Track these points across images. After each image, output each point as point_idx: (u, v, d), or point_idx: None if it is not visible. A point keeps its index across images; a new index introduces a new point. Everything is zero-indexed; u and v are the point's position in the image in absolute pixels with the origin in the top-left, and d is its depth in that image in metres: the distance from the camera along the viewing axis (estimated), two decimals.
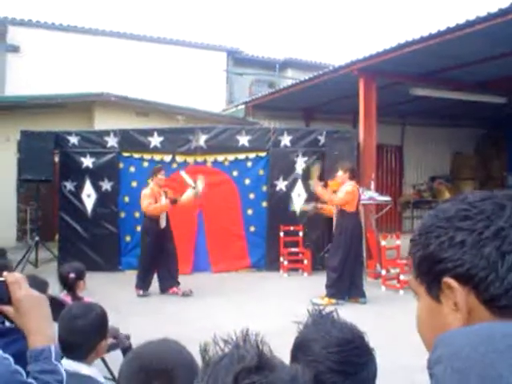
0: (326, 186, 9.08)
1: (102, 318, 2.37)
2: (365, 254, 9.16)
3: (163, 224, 7.93)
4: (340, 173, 7.61)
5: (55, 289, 3.91)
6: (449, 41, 8.02)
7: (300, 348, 1.37)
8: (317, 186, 7.65)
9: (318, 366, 1.29)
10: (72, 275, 3.92)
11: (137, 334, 4.26)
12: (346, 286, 7.41)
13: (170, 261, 7.99)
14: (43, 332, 1.32)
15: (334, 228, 7.62)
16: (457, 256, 0.79)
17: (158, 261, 7.92)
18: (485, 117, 15.52)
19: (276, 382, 0.67)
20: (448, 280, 0.80)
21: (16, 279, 1.33)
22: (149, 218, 7.94)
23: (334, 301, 7.28)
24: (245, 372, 0.66)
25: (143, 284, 7.93)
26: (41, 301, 1.36)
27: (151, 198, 7.84)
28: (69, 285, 3.93)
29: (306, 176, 8.97)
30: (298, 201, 9.95)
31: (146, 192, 7.94)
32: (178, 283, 8.03)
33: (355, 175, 7.86)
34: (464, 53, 8.96)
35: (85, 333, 2.24)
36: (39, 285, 2.84)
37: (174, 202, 7.95)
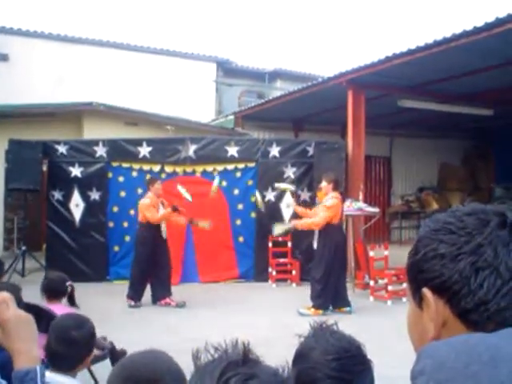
0: (315, 196, 9.13)
1: (94, 329, 2.38)
2: (353, 265, 9.18)
3: (165, 235, 7.94)
4: (324, 183, 7.63)
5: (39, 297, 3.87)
6: (436, 54, 8.11)
7: (300, 356, 1.42)
8: (296, 222, 7.76)
9: (316, 373, 1.36)
10: (69, 283, 3.91)
11: (125, 344, 4.24)
12: (331, 297, 7.43)
13: (164, 272, 7.94)
14: (29, 353, 1.30)
15: (316, 239, 7.60)
16: (436, 268, 0.82)
17: (151, 271, 7.87)
18: (472, 128, 15.68)
19: (260, 373, 0.69)
20: (424, 290, 0.83)
21: (4, 299, 1.30)
22: (145, 228, 7.87)
23: (320, 311, 7.30)
24: (231, 365, 0.69)
25: (135, 294, 7.87)
26: (28, 321, 1.33)
27: (154, 208, 7.84)
28: (68, 294, 3.89)
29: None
30: (287, 212, 9.96)
31: (146, 202, 7.87)
32: (171, 294, 7.98)
33: (339, 186, 7.89)
34: (451, 65, 9.07)
35: (78, 344, 2.25)
36: (11, 290, 2.82)
37: (174, 209, 7.92)
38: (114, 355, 2.99)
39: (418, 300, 0.85)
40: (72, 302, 3.87)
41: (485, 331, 0.76)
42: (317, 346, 1.41)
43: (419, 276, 0.85)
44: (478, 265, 0.78)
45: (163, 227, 7.95)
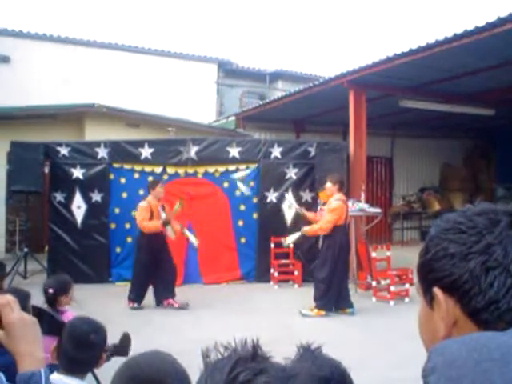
0: (316, 197, 9.12)
1: (106, 331, 2.40)
2: (355, 266, 9.17)
3: (171, 236, 7.94)
4: (329, 185, 7.62)
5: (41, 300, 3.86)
6: (437, 54, 8.10)
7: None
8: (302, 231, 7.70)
9: None
10: (50, 291, 3.78)
11: None
12: (334, 298, 7.43)
13: (167, 273, 7.91)
14: (34, 356, 1.29)
15: (320, 240, 7.60)
16: (446, 267, 0.82)
17: (153, 274, 7.84)
18: (474, 128, 15.68)
19: (269, 368, 0.69)
20: (435, 290, 0.83)
21: (8, 302, 1.29)
22: (143, 232, 7.86)
23: (323, 312, 7.31)
24: (241, 361, 0.69)
25: (136, 297, 7.86)
26: (32, 324, 1.32)
27: (147, 213, 7.76)
28: (48, 300, 3.82)
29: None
30: (289, 213, 9.95)
31: (142, 205, 7.83)
32: (174, 295, 7.94)
33: (344, 187, 7.89)
34: (452, 65, 9.06)
35: (96, 348, 2.27)
36: (21, 297, 2.81)
37: (165, 224, 7.83)
38: (119, 349, 2.95)
39: (429, 299, 0.86)
40: (52, 308, 3.72)
41: (495, 330, 0.76)
42: (298, 375, 1.38)
43: (430, 275, 0.85)
44: (488, 264, 0.79)
45: (168, 228, 7.92)
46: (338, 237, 7.39)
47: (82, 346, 2.21)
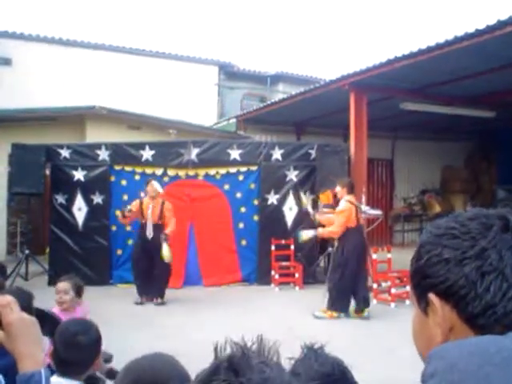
0: (317, 198, 9.12)
1: (99, 332, 2.38)
2: None
3: (149, 234, 8.15)
4: (338, 188, 7.65)
5: (45, 302, 3.87)
6: (438, 56, 8.10)
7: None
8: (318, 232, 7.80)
9: None
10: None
11: (129, 348, 4.24)
12: (349, 300, 7.43)
13: (154, 272, 8.20)
14: (34, 356, 1.29)
15: (335, 244, 7.58)
16: (441, 273, 0.82)
17: (148, 270, 8.18)
18: (475, 130, 15.67)
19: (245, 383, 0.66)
20: (430, 296, 0.83)
21: (8, 302, 1.30)
22: (137, 229, 8.47)
23: (336, 314, 7.33)
24: (220, 371, 0.68)
25: (136, 290, 8.34)
26: (32, 324, 1.33)
27: (134, 206, 8.39)
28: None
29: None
30: (290, 215, 9.96)
31: (132, 203, 8.53)
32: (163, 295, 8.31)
33: (353, 189, 7.89)
34: (453, 68, 9.06)
35: (85, 349, 2.24)
36: (24, 297, 2.81)
37: (123, 215, 8.46)
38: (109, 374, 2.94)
39: (424, 306, 0.85)
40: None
41: (492, 334, 0.76)
42: (300, 372, 1.39)
43: (424, 282, 0.85)
44: (483, 269, 0.78)
45: (148, 226, 8.21)
46: (352, 239, 7.36)
47: (70, 347, 2.19)
